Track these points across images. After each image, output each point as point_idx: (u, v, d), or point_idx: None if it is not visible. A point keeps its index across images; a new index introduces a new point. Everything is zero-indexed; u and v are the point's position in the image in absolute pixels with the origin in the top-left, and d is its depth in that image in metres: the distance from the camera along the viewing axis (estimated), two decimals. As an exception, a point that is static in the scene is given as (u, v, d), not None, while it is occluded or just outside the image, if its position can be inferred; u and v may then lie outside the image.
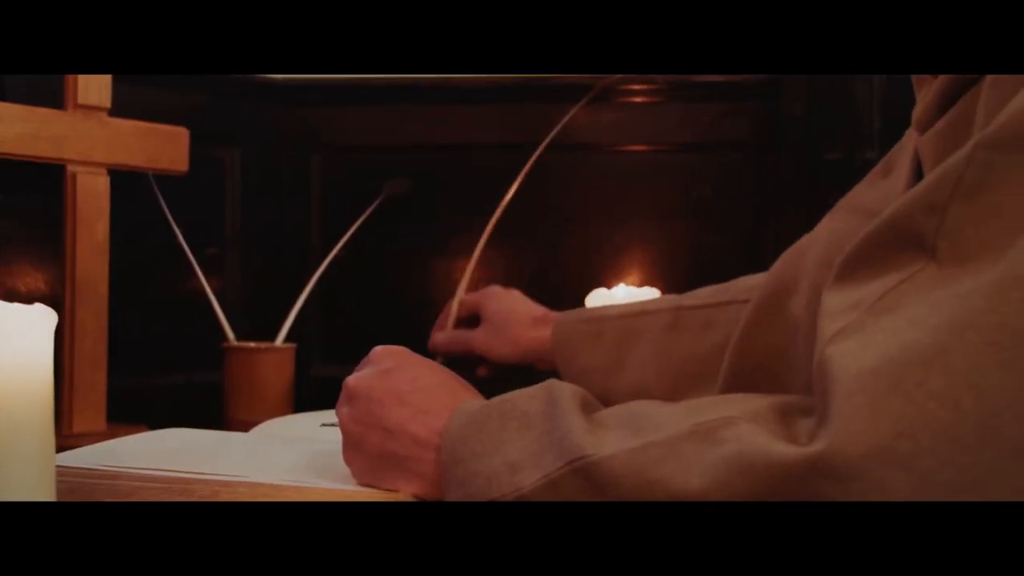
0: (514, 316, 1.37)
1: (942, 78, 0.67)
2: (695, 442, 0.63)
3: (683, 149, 2.00)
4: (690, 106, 1.97)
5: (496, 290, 1.44)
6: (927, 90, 0.70)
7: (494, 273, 1.23)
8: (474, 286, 1.55)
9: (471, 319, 1.46)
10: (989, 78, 0.60)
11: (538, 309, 1.39)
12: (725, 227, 2.00)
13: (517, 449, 0.73)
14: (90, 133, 1.43)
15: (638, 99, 1.99)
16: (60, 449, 0.80)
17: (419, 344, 1.02)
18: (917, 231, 0.59)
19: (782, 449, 0.58)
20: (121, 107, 1.47)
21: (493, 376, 1.41)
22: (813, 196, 1.94)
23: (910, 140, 0.77)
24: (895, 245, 0.60)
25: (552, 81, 1.98)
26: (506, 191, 1.84)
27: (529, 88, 1.99)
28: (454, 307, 1.45)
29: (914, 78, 0.74)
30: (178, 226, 1.65)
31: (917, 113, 0.72)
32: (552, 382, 0.78)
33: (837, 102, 1.93)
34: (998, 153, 0.56)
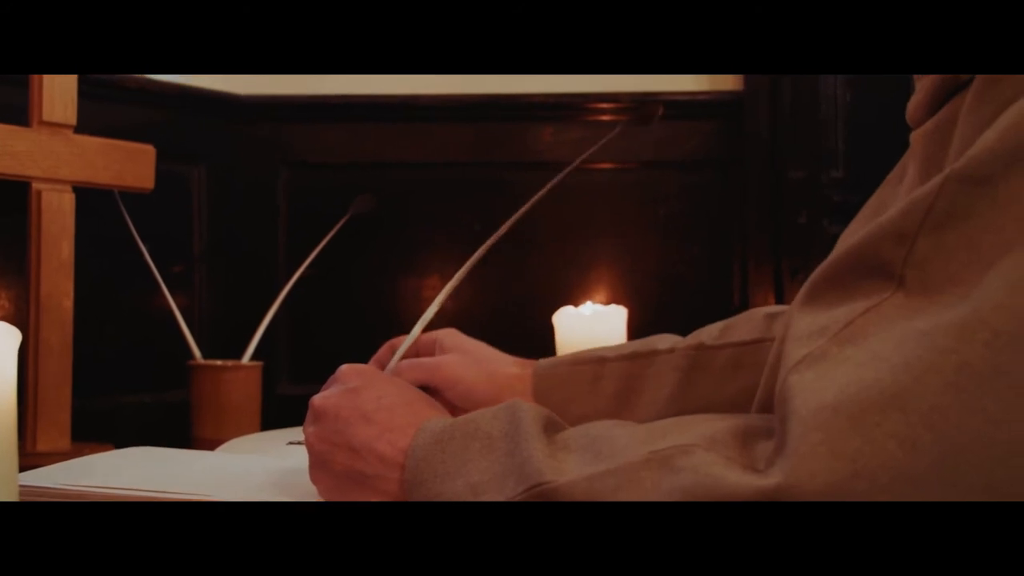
0: (488, 351, 1.15)
1: (932, 77, 0.68)
2: (652, 470, 0.63)
3: (649, 167, 2.01)
4: (656, 125, 1.98)
5: (456, 331, 1.19)
6: (920, 86, 0.71)
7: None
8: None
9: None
10: (968, 100, 0.61)
11: (509, 356, 1.17)
12: (691, 244, 2.01)
13: (479, 471, 0.73)
14: (55, 150, 1.42)
15: (604, 117, 2.00)
16: (24, 468, 0.80)
17: (386, 362, 1.03)
18: (886, 259, 0.59)
19: (737, 479, 0.58)
20: (87, 124, 1.46)
21: None
22: (778, 214, 1.95)
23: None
24: (863, 271, 0.60)
25: (518, 99, 1.99)
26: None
27: (495, 106, 2.00)
28: (410, 339, 1.15)
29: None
30: (144, 243, 1.65)
31: (910, 109, 0.73)
32: (515, 402, 0.78)
33: (801, 122, 1.95)
34: (968, 187, 0.56)
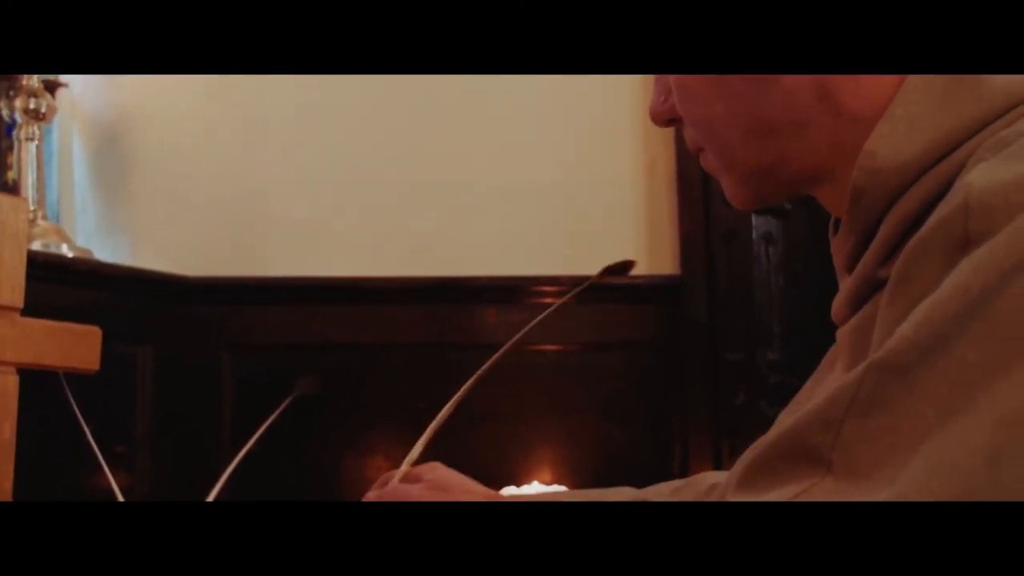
0: (467, 485, 1.11)
1: (853, 278, 0.72)
2: None
3: (591, 349, 2.04)
4: (597, 307, 2.03)
5: (439, 467, 1.17)
6: (843, 287, 0.75)
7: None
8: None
9: None
10: (885, 297, 0.64)
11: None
12: (632, 424, 2.03)
13: None
14: (1, 333, 1.43)
15: (547, 300, 2.04)
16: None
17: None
18: (814, 444, 0.61)
19: None
20: (33, 306, 1.47)
21: None
22: (716, 395, 1.98)
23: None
24: (794, 457, 0.63)
25: (463, 282, 2.03)
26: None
27: (439, 288, 2.04)
28: (402, 470, 1.13)
29: (837, 273, 0.78)
30: (88, 423, 1.64)
31: (835, 308, 0.76)
32: None
33: (737, 305, 2.00)
34: (889, 376, 0.59)
